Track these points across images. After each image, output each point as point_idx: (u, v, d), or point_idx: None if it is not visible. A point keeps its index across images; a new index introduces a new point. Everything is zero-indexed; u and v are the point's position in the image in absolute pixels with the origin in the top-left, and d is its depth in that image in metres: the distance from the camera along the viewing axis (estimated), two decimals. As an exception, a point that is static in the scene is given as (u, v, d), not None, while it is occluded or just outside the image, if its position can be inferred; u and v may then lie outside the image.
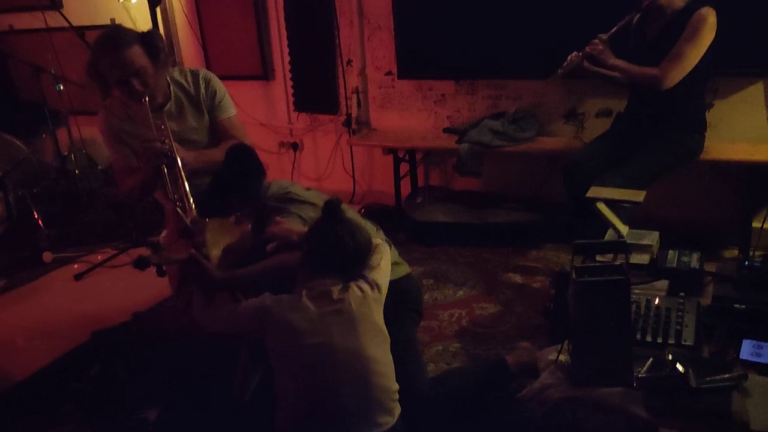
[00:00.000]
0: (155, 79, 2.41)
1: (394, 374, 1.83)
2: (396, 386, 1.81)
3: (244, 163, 2.32)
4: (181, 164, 2.32)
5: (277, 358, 1.77)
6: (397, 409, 1.79)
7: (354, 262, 1.83)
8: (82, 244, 4.12)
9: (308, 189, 2.37)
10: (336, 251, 1.79)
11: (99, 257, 3.88)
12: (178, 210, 2.24)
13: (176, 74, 2.59)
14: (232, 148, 2.42)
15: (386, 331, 1.82)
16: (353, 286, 1.79)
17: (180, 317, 2.70)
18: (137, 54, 2.34)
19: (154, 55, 2.38)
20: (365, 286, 1.80)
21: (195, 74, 2.62)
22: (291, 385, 1.74)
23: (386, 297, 1.94)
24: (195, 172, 2.42)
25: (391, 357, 1.82)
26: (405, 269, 2.30)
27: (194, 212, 2.25)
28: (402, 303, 2.18)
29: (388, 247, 2.06)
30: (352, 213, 2.26)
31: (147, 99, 2.37)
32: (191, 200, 2.26)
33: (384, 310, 1.89)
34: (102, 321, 3.13)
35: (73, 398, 2.55)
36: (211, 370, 2.44)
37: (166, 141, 2.34)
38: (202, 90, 2.59)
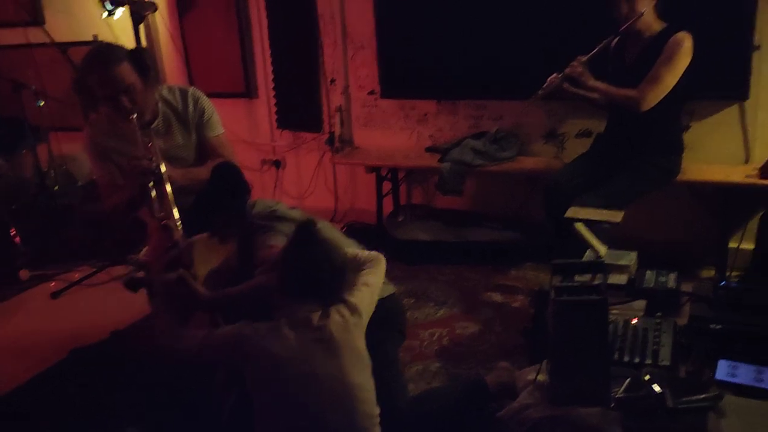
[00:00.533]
0: (144, 96, 2.41)
1: (375, 397, 1.82)
2: (377, 410, 1.79)
3: (229, 181, 2.32)
4: (169, 181, 2.31)
5: (258, 389, 1.72)
6: None
7: (331, 286, 1.79)
8: (60, 261, 4.06)
9: (293, 208, 2.37)
10: (312, 276, 1.75)
11: (77, 275, 3.83)
12: (165, 227, 2.24)
13: (165, 92, 2.60)
14: (217, 167, 2.41)
15: (368, 355, 1.80)
16: (333, 311, 1.75)
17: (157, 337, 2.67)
18: (127, 71, 2.34)
19: (144, 73, 2.39)
20: (345, 312, 1.77)
21: (184, 92, 2.62)
22: (273, 415, 1.70)
23: (371, 316, 1.93)
24: (182, 190, 2.42)
25: (372, 382, 1.80)
26: (390, 288, 2.30)
27: (180, 230, 2.24)
28: (386, 323, 2.17)
29: (383, 262, 2.04)
30: (330, 231, 2.26)
31: (135, 116, 2.37)
32: (177, 218, 2.25)
33: (367, 330, 1.88)
34: (80, 339, 3.08)
35: (50, 417, 2.51)
36: (190, 389, 2.41)
37: (153, 158, 2.33)
38: (191, 108, 2.59)
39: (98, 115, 2.53)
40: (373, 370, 1.83)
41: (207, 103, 2.65)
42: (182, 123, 2.59)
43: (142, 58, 2.40)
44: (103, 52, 2.37)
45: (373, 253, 2.06)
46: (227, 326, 1.78)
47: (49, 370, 2.85)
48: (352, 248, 2.28)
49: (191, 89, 2.66)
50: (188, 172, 2.49)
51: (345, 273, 1.84)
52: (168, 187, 2.30)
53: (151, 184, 2.31)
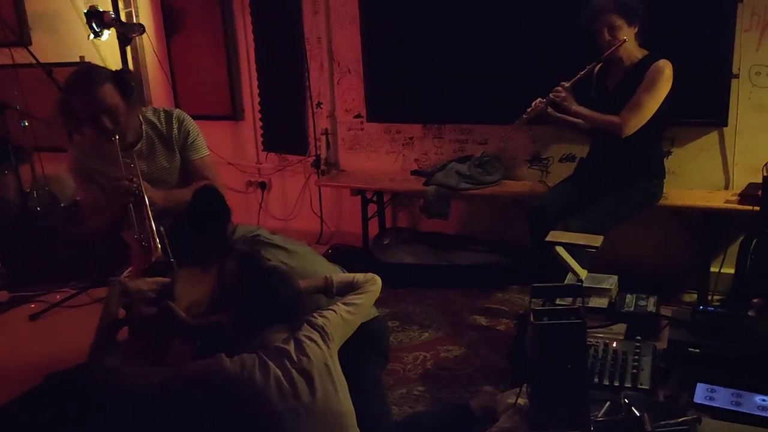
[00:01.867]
0: (126, 117, 2.40)
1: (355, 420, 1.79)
2: None
3: (209, 204, 2.31)
4: (149, 203, 2.30)
5: (240, 424, 1.64)
6: None
7: (290, 308, 1.76)
8: (40, 283, 4.00)
9: (274, 233, 2.36)
10: (275, 303, 1.72)
11: (57, 297, 3.78)
12: (144, 249, 2.22)
13: (149, 113, 2.59)
14: (197, 190, 2.40)
15: (344, 378, 1.78)
16: (305, 339, 1.72)
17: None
18: (109, 92, 2.33)
19: (127, 94, 2.38)
20: (316, 337, 1.74)
21: (168, 114, 2.61)
22: None
23: (353, 339, 1.91)
24: (163, 212, 2.40)
25: (352, 405, 1.78)
26: (373, 312, 2.29)
27: (160, 252, 2.22)
28: (369, 346, 2.16)
29: (378, 284, 2.03)
30: (311, 257, 2.26)
31: (117, 137, 2.36)
32: (157, 239, 2.23)
33: (349, 353, 1.87)
34: (57, 363, 3.02)
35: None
36: (167, 415, 2.37)
37: (135, 179, 2.32)
38: (175, 130, 2.58)
39: (82, 136, 2.51)
40: (355, 394, 1.82)
41: (192, 125, 2.64)
42: (166, 145, 2.58)
43: (126, 80, 2.40)
44: (86, 73, 2.37)
45: (369, 274, 2.04)
46: (201, 360, 1.70)
47: (24, 396, 2.78)
48: (339, 273, 2.28)
49: (176, 111, 2.65)
50: (171, 194, 2.48)
51: (301, 294, 1.81)
52: (148, 209, 2.28)
53: (131, 205, 2.29)
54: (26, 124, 4.37)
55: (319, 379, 1.68)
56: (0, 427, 2.60)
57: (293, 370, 1.65)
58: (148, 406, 1.69)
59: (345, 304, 1.91)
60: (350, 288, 2.01)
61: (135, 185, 2.29)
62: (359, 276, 2.05)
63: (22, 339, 3.39)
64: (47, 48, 4.77)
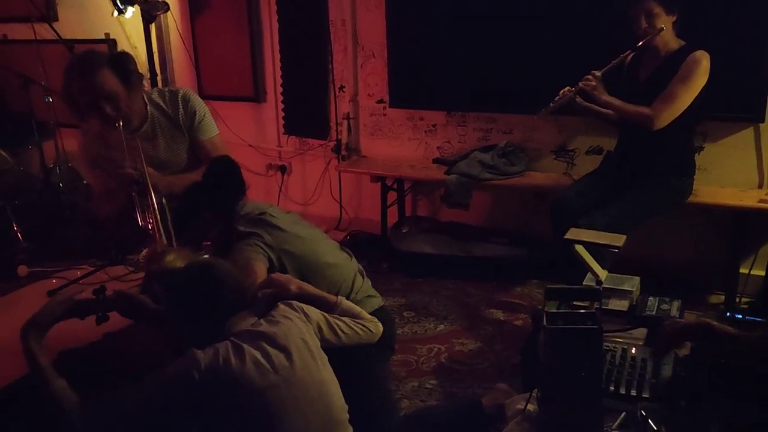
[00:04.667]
0: (128, 102, 2.36)
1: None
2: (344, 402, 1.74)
3: (224, 177, 2.26)
4: (154, 191, 2.26)
5: (232, 416, 1.60)
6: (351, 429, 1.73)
7: (244, 297, 1.75)
8: (60, 259, 4.01)
9: (288, 213, 2.30)
10: (212, 292, 1.69)
11: (77, 273, 3.79)
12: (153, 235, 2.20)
13: (155, 95, 2.55)
14: (213, 160, 2.36)
15: (324, 353, 1.74)
16: (279, 318, 1.70)
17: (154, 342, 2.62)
18: (107, 77, 2.29)
19: (125, 78, 2.33)
20: (293, 315, 1.72)
21: (174, 94, 2.56)
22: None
23: None
24: (172, 195, 2.37)
25: (333, 375, 1.74)
26: (378, 301, 2.23)
27: (164, 240, 2.19)
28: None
29: (379, 330, 1.96)
30: (285, 223, 2.21)
31: (121, 123, 2.32)
32: (161, 229, 2.20)
33: (353, 346, 1.83)
34: (71, 339, 3.03)
35: (32, 420, 2.45)
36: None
37: (138, 167, 2.28)
38: (181, 110, 2.53)
39: (89, 124, 2.48)
40: (360, 390, 1.77)
41: (199, 103, 2.58)
42: (173, 126, 2.53)
43: (124, 64, 2.34)
44: (82, 60, 2.33)
45: (377, 322, 1.96)
46: (174, 363, 1.63)
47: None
48: (348, 259, 2.23)
49: (182, 90, 2.59)
50: (177, 180, 2.43)
51: (240, 282, 1.77)
52: (153, 197, 2.23)
53: (135, 192, 2.26)
54: (50, 99, 4.38)
55: (297, 351, 1.65)
56: (12, 401, 2.61)
57: (268, 347, 1.62)
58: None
59: (338, 319, 1.87)
60: (356, 316, 1.95)
61: (138, 173, 2.26)
62: (366, 313, 1.98)
63: (39, 314, 3.40)
64: (74, 24, 4.78)
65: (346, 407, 1.72)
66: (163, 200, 2.32)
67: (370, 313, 1.99)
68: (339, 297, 1.96)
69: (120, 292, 1.86)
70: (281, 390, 1.59)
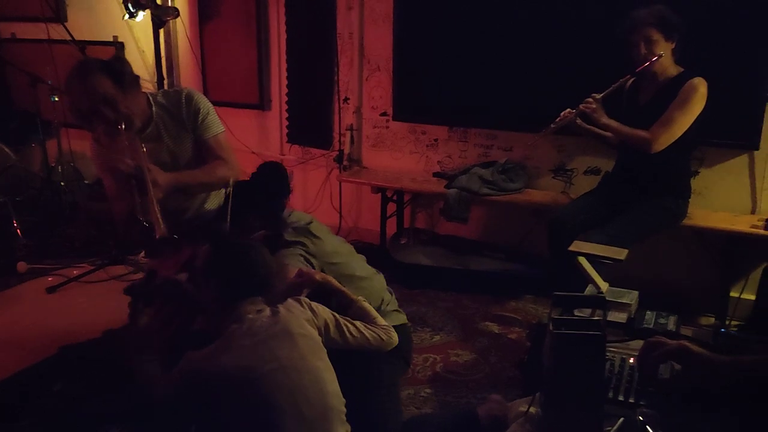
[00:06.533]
0: (126, 104, 2.39)
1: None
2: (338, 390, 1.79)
3: (273, 180, 2.32)
4: (154, 185, 2.29)
5: (229, 406, 1.68)
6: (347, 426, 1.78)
7: (270, 278, 1.82)
8: (59, 257, 4.05)
9: (322, 225, 2.39)
10: (251, 273, 1.79)
11: (75, 272, 3.81)
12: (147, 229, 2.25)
13: (159, 96, 2.59)
14: (261, 166, 2.41)
15: (323, 347, 1.81)
16: (282, 308, 1.78)
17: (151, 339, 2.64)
18: (101, 81, 2.33)
19: (118, 80, 2.37)
20: (296, 308, 1.80)
21: (177, 93, 2.60)
22: (244, 418, 1.68)
23: None
24: (181, 191, 2.42)
25: (331, 366, 1.79)
26: (402, 318, 2.32)
27: (164, 230, 2.24)
28: (393, 349, 2.16)
29: (394, 338, 2.01)
30: (325, 236, 2.28)
31: (123, 125, 2.36)
32: (160, 219, 2.24)
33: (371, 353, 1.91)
34: (71, 336, 3.05)
35: (33, 413, 2.47)
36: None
37: (137, 162, 2.32)
38: (184, 108, 2.56)
39: (97, 131, 2.53)
40: (369, 390, 1.82)
41: (203, 101, 2.61)
42: (178, 126, 2.56)
43: (117, 67, 2.39)
44: (77, 68, 2.39)
45: (392, 331, 2.01)
46: (176, 368, 1.75)
47: (37, 366, 2.81)
48: (377, 276, 2.31)
49: (185, 90, 2.63)
50: (180, 176, 2.47)
51: (277, 272, 1.86)
52: (151, 189, 2.27)
53: (134, 186, 2.30)
54: (56, 99, 4.42)
55: (294, 341, 1.72)
56: (12, 393, 2.63)
57: (266, 336, 1.70)
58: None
59: (350, 323, 1.92)
60: (370, 321, 2.01)
61: (134, 168, 2.29)
62: (383, 320, 2.03)
63: (37, 310, 3.42)
64: (82, 25, 4.83)
65: (342, 397, 1.77)
66: (229, 188, 2.36)
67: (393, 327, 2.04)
68: (359, 297, 2.01)
69: (170, 278, 1.94)
70: (277, 376, 1.65)
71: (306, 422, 1.67)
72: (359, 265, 2.32)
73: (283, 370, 1.67)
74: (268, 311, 1.77)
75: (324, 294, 1.97)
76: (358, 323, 1.92)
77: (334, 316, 1.87)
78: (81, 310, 3.41)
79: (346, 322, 1.89)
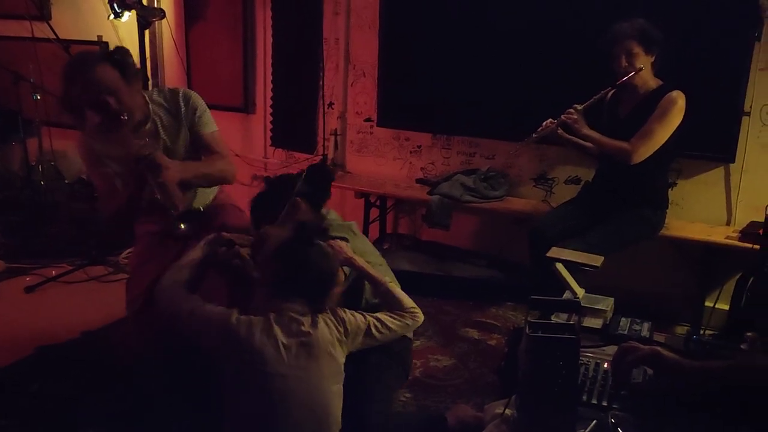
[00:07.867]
0: (129, 95, 2.40)
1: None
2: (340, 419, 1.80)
3: (322, 176, 2.41)
4: (163, 168, 2.30)
5: (234, 380, 1.72)
6: None
7: (317, 288, 1.81)
8: (38, 256, 4.01)
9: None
10: (301, 277, 1.78)
11: (54, 271, 3.78)
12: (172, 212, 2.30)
13: (155, 94, 2.60)
14: (314, 164, 2.54)
15: (342, 370, 1.82)
16: (321, 320, 1.78)
17: (130, 339, 2.63)
18: (106, 71, 2.33)
19: (124, 71, 2.38)
20: (332, 323, 1.80)
21: (174, 92, 2.62)
22: (244, 410, 1.71)
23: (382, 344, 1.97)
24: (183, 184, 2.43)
25: (341, 402, 1.80)
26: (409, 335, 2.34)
27: (175, 213, 2.30)
28: (391, 353, 2.18)
29: (420, 319, 2.07)
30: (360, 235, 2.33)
31: (125, 116, 2.36)
32: (175, 198, 2.29)
33: (371, 350, 1.94)
34: (49, 337, 3.03)
35: (9, 414, 2.45)
36: (154, 396, 2.38)
37: (146, 147, 2.32)
38: (182, 106, 2.58)
39: (89, 127, 2.51)
40: (362, 386, 1.87)
41: (199, 100, 2.64)
42: (175, 123, 2.58)
43: (122, 57, 2.39)
44: (80, 59, 2.39)
45: (417, 308, 2.07)
46: (217, 307, 1.79)
47: (13, 366, 2.79)
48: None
49: (182, 89, 2.66)
50: (186, 165, 2.49)
51: (332, 283, 1.85)
52: (164, 173, 2.28)
53: (147, 172, 2.29)
54: (38, 97, 4.39)
55: (320, 358, 1.73)
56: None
57: (296, 341, 1.71)
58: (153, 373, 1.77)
59: (377, 320, 1.95)
60: (396, 305, 2.04)
61: (146, 151, 2.29)
62: (410, 301, 2.08)
63: (15, 310, 3.39)
64: (67, 24, 4.79)
65: (340, 424, 1.78)
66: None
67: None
68: (388, 279, 2.08)
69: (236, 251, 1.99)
70: (287, 382, 1.68)
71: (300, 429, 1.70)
72: (390, 276, 2.36)
73: (296, 380, 1.69)
74: (309, 318, 1.77)
75: (357, 284, 2.03)
76: (385, 318, 1.95)
77: (364, 322, 1.89)
78: (59, 310, 3.38)
79: (375, 322, 1.91)
